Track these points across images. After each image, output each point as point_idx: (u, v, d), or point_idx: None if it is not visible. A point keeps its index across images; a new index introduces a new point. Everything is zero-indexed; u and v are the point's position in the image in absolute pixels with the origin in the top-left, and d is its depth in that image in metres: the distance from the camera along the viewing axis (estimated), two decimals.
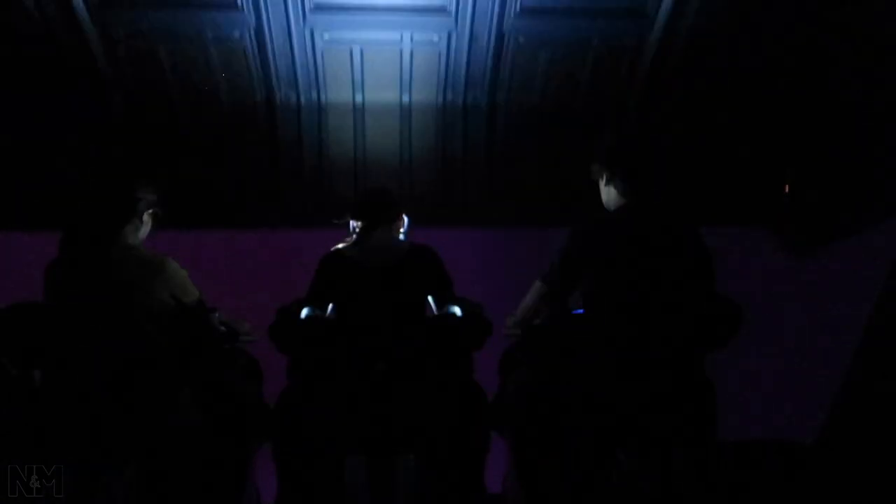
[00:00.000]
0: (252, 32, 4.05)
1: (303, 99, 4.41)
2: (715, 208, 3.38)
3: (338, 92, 4.43)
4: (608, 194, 2.36)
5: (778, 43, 3.26)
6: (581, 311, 2.34)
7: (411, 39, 4.18)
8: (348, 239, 2.54)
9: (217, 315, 2.28)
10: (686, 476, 2.21)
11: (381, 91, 4.44)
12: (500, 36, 4.13)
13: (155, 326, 2.14)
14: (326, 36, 4.15)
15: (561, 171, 4.28)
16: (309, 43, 4.14)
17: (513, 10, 4.01)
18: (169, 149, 4.32)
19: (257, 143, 4.51)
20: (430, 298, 2.41)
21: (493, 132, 4.58)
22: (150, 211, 2.35)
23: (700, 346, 2.25)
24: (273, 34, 4.07)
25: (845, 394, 2.53)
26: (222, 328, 2.31)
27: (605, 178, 2.35)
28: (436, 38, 4.18)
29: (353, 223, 2.60)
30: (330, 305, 2.35)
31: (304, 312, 2.24)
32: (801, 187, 3.42)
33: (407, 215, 2.65)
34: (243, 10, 3.95)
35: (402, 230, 2.62)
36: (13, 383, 2.26)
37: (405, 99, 4.46)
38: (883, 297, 2.47)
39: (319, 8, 4.03)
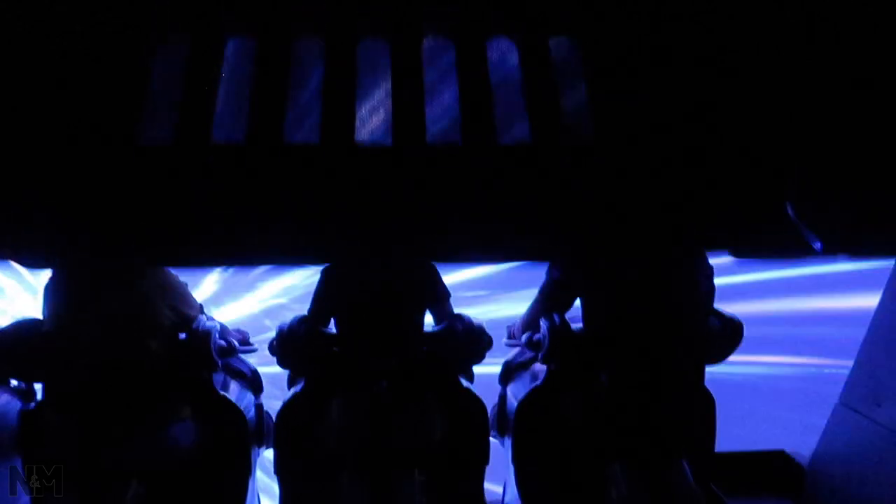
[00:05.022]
0: None
1: None
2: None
3: None
4: None
5: None
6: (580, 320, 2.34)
7: None
8: None
9: (218, 327, 2.28)
10: (684, 488, 2.22)
11: None
12: None
13: (156, 339, 2.14)
14: None
15: None
16: None
17: None
18: None
19: None
20: (429, 312, 2.41)
21: None
22: None
23: (700, 361, 2.26)
24: None
25: (844, 406, 2.53)
26: (222, 342, 2.30)
27: None
28: None
29: None
30: (331, 319, 2.35)
31: (305, 328, 2.23)
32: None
33: None
34: None
35: None
36: (15, 396, 2.28)
37: None
38: (881, 308, 2.47)
39: None
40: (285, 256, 1.16)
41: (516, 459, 2.38)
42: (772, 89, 1.04)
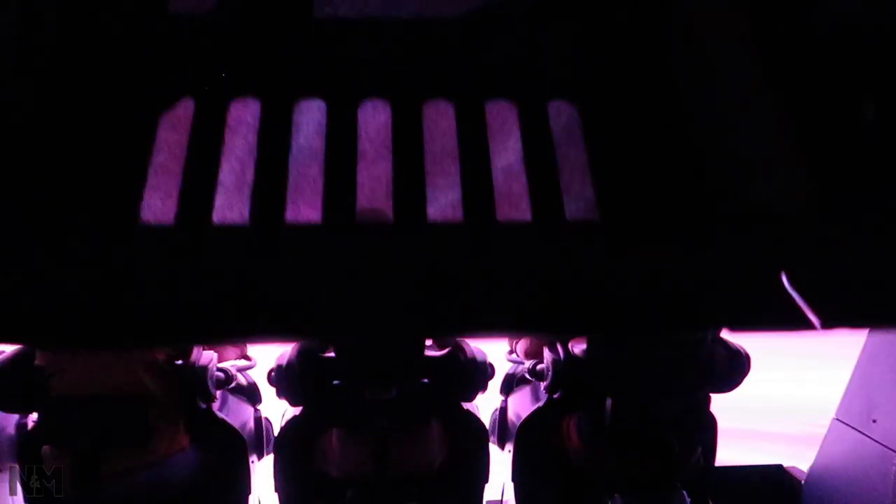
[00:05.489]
0: None
1: None
2: None
3: None
4: None
5: None
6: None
7: None
8: None
9: (214, 357, 2.23)
10: None
11: None
12: None
13: (151, 373, 2.10)
14: None
15: None
16: None
17: None
18: None
19: None
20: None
21: None
22: None
23: (706, 390, 2.24)
24: None
25: (840, 421, 2.55)
26: (219, 374, 2.26)
27: None
28: None
29: None
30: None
31: (304, 362, 2.19)
32: None
33: None
34: None
35: None
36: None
37: None
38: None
39: None
40: (283, 334, 1.08)
41: (516, 480, 2.40)
42: (769, 154, 0.97)
